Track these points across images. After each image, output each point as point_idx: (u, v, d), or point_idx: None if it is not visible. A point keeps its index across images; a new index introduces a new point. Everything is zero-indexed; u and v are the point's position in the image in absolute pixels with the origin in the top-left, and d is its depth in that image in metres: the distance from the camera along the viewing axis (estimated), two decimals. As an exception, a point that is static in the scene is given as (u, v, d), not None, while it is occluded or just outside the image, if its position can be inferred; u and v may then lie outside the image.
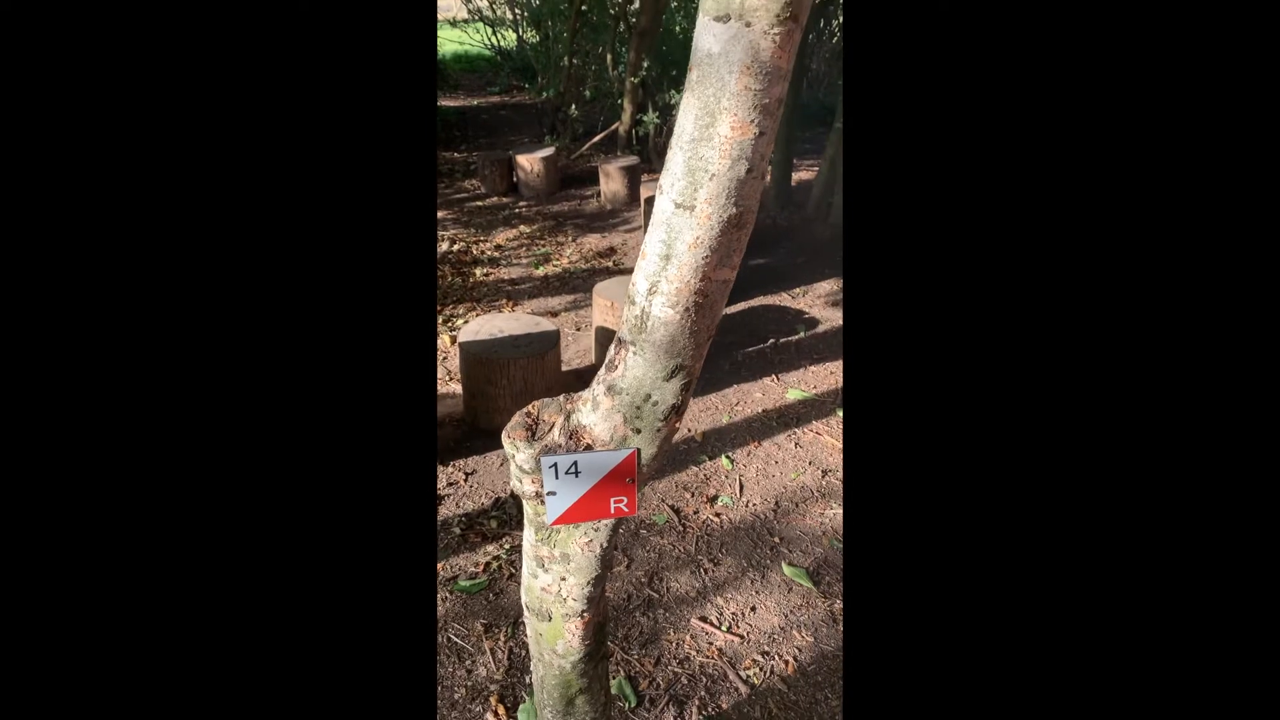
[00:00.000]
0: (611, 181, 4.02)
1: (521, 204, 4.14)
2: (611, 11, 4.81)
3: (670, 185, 0.55)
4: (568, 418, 0.67)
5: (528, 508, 0.73)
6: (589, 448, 0.65)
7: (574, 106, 5.16)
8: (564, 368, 2.36)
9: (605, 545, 0.73)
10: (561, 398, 0.69)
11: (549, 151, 4.23)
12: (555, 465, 0.64)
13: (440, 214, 3.93)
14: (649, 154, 4.70)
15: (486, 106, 6.73)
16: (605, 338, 2.30)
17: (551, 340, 2.00)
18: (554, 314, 2.79)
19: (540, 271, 3.19)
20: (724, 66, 0.49)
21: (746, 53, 0.48)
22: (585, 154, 4.98)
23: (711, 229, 0.54)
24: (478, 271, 3.13)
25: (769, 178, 3.95)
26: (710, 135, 0.51)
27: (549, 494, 0.66)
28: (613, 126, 4.87)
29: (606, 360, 0.65)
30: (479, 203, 4.15)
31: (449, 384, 2.30)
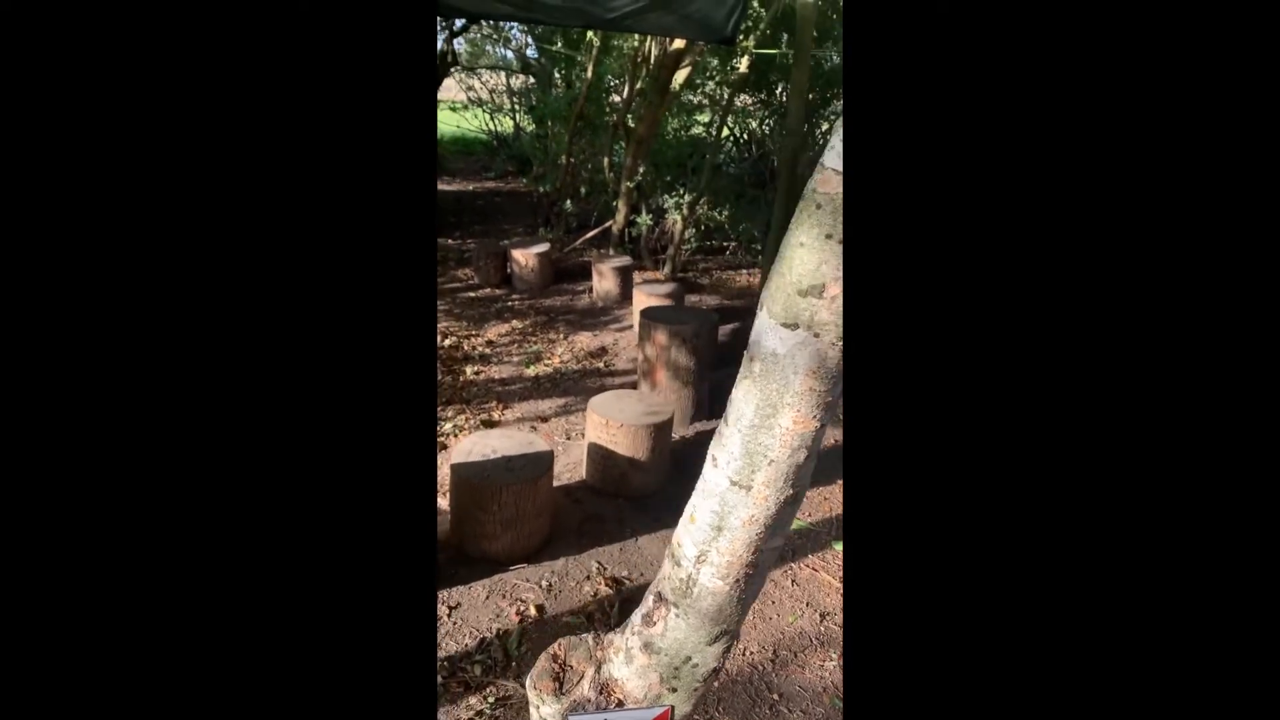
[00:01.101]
0: (604, 280, 4.10)
1: (514, 297, 4.18)
2: (610, 117, 5.08)
3: (726, 462, 0.54)
4: (599, 669, 0.63)
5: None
6: (620, 703, 0.62)
7: (569, 202, 5.34)
8: (554, 482, 2.30)
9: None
10: (590, 640, 0.65)
11: (544, 247, 4.33)
12: (584, 725, 0.59)
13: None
14: (641, 253, 4.84)
15: (482, 193, 6.94)
16: (598, 454, 2.27)
17: (545, 463, 1.96)
18: (544, 418, 2.76)
19: (531, 371, 3.18)
20: (789, 367, 0.50)
21: (813, 359, 0.49)
22: (578, 249, 5.11)
23: (768, 509, 0.53)
24: (468, 370, 3.11)
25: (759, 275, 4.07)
26: (771, 425, 0.51)
27: (574, 751, 0.61)
28: (606, 224, 5.03)
29: (643, 613, 0.62)
30: (472, 293, 4.18)
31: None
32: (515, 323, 3.75)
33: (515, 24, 7.73)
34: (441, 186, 6.55)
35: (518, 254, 4.26)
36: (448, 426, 2.61)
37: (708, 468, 0.56)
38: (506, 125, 8.85)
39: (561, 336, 3.61)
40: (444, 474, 2.28)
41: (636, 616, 0.61)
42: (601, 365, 3.30)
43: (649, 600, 0.62)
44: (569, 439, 2.62)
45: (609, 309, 4.07)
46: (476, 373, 3.11)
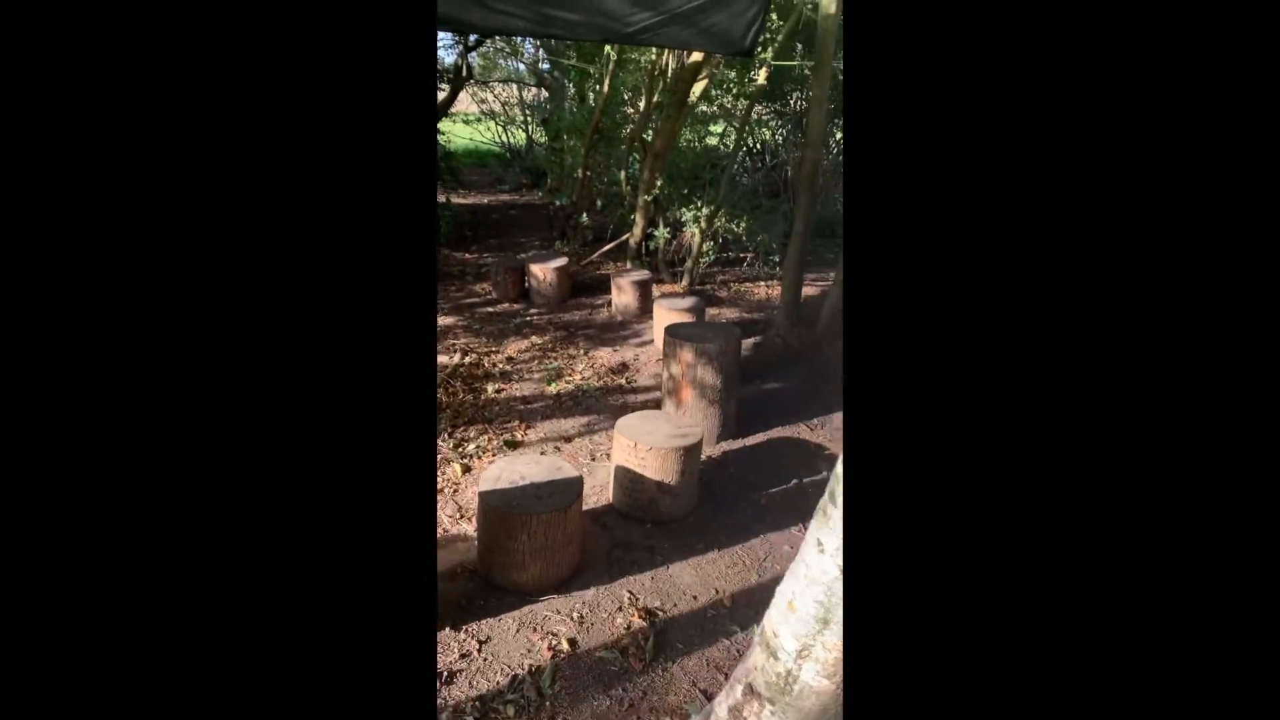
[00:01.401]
0: (623, 294, 4.07)
1: (533, 311, 4.15)
2: (626, 130, 5.06)
3: (835, 549, 0.49)
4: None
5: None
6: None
7: (585, 215, 5.31)
8: (582, 506, 2.25)
9: None
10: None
11: (562, 261, 4.30)
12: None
13: (451, 320, 3.92)
14: (658, 266, 4.80)
15: (497, 206, 6.95)
16: (626, 478, 2.22)
17: (575, 490, 1.91)
18: (567, 438, 2.71)
19: (553, 389, 3.13)
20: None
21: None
22: (595, 261, 5.08)
23: (879, 598, 0.48)
24: (489, 388, 3.07)
25: (780, 298, 4.01)
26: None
27: None
28: (623, 237, 5.00)
29: (729, 705, 0.57)
30: (490, 309, 4.16)
31: (459, 523, 2.18)
32: (535, 338, 3.72)
33: (529, 38, 7.76)
34: (456, 200, 6.55)
35: (536, 268, 4.23)
36: (470, 447, 2.57)
37: (810, 552, 0.51)
38: (519, 138, 8.87)
39: (582, 352, 3.57)
40: (471, 499, 2.24)
41: (722, 709, 0.56)
42: (623, 382, 3.25)
43: (736, 691, 0.57)
44: (593, 460, 2.58)
45: (628, 323, 4.03)
46: (498, 391, 3.07)
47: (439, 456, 2.50)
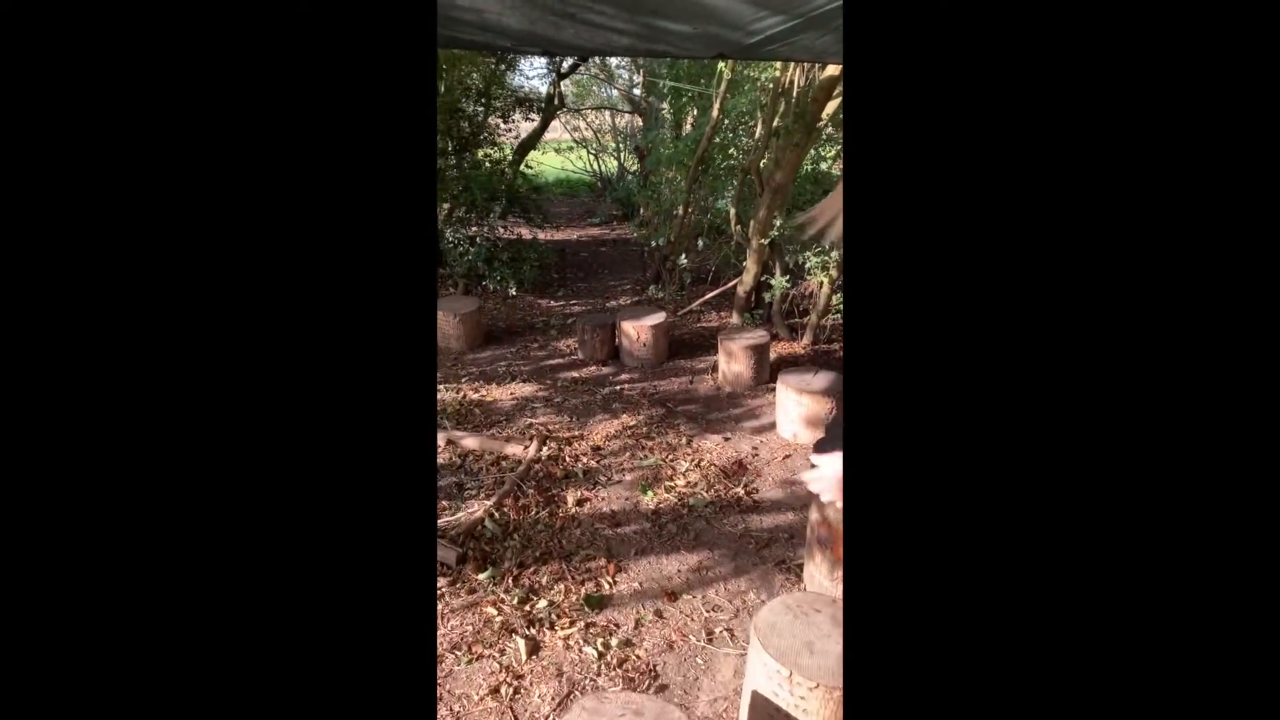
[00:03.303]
0: (734, 361, 3.32)
1: (624, 377, 3.49)
2: (738, 162, 4.34)
3: None
4: None
5: None
6: None
7: (684, 256, 4.63)
8: (696, 737, 1.51)
9: None
10: None
11: (658, 318, 3.63)
12: None
13: (530, 389, 3.33)
14: (772, 318, 4.02)
15: (586, 242, 6.43)
16: (764, 708, 1.44)
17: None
18: (672, 594, 1.98)
19: (649, 500, 2.43)
20: None
21: None
22: (696, 311, 4.38)
23: None
24: (569, 498, 2.41)
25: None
26: None
27: None
28: (730, 284, 4.27)
29: None
30: (575, 373, 3.54)
31: (519, 751, 1.49)
32: (626, 418, 3.05)
33: (625, 61, 7.32)
34: (543, 236, 6.09)
35: (629, 326, 3.58)
36: (542, 604, 1.90)
37: None
38: (611, 166, 8.46)
39: (684, 441, 2.85)
40: (537, 708, 1.56)
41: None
42: (741, 493, 2.49)
43: None
44: (711, 639, 1.82)
45: (740, 397, 3.27)
46: (580, 502, 2.40)
47: (499, 617, 1.85)
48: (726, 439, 2.89)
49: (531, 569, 2.04)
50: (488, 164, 5.05)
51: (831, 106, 3.44)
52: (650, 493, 2.47)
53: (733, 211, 4.17)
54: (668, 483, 2.54)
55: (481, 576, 1.99)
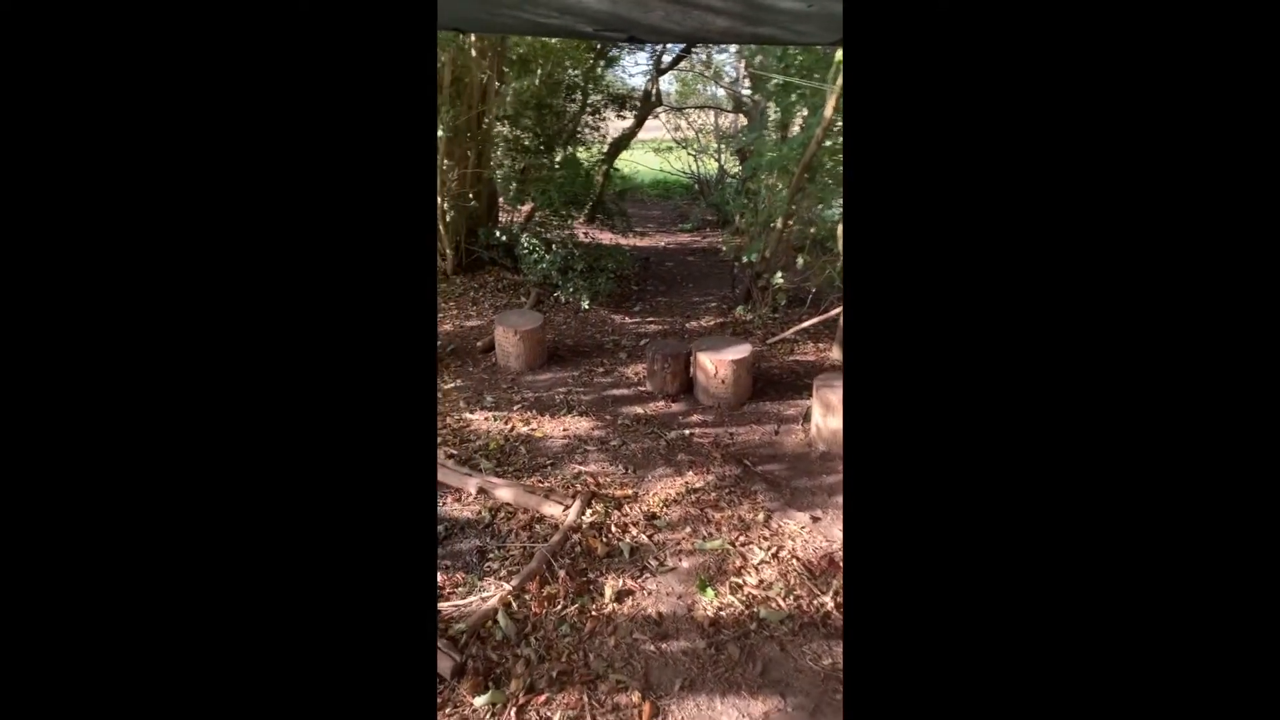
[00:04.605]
0: (832, 415, 2.70)
1: (695, 419, 2.97)
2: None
3: None
4: None
5: None
6: None
7: (780, 274, 4.02)
8: None
9: None
10: None
11: (742, 352, 3.07)
12: None
13: (586, 425, 2.89)
14: (884, 359, 3.33)
15: (673, 250, 5.93)
16: None
17: None
18: (723, 757, 1.45)
19: (709, 602, 1.90)
20: None
21: None
22: (789, 340, 3.76)
23: None
24: (608, 588, 1.93)
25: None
26: None
27: None
28: (834, 310, 3.62)
29: None
30: (639, 408, 3.06)
31: None
32: (692, 475, 2.53)
33: (731, 54, 6.75)
34: (627, 243, 5.66)
35: (706, 359, 3.05)
36: (548, 756, 1.43)
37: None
38: (711, 167, 7.93)
39: (761, 518, 2.29)
40: None
41: None
42: (830, 606, 1.90)
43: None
44: None
45: (837, 461, 2.65)
46: (620, 595, 1.92)
47: (490, 770, 1.40)
48: (816, 520, 2.29)
49: (544, 696, 1.58)
50: (583, 164, 4.67)
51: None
52: (711, 591, 1.94)
53: (840, 225, 3.51)
54: (734, 578, 2.00)
55: (478, 701, 1.55)
